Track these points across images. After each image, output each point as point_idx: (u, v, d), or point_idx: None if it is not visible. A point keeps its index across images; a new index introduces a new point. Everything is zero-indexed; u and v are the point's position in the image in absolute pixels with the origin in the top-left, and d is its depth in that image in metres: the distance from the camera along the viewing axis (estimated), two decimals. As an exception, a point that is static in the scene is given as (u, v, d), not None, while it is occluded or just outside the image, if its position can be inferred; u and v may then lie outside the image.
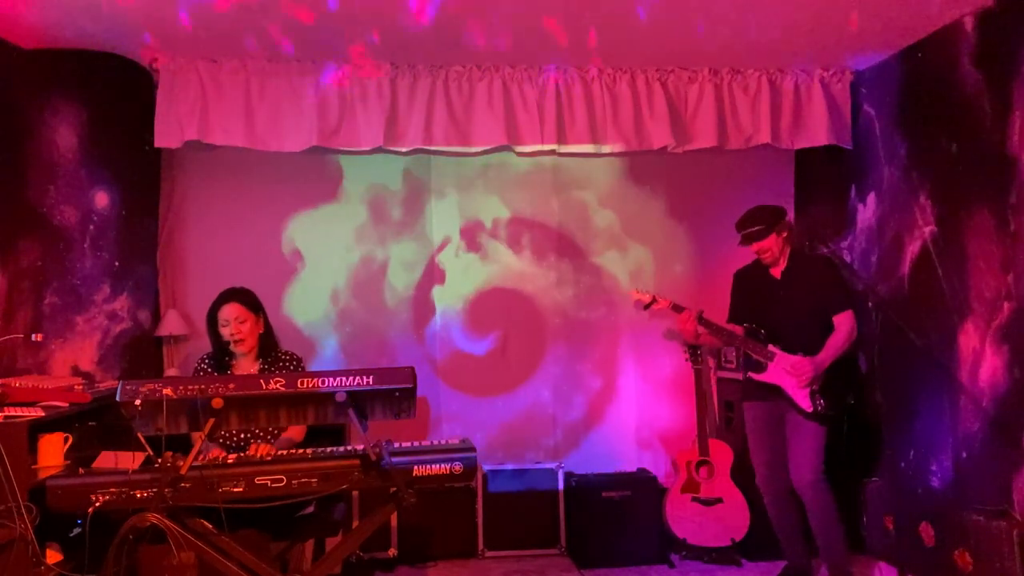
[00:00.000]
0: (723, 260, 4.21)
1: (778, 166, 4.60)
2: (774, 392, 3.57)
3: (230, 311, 3.13)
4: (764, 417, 3.66)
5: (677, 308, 3.69)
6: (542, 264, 4.57)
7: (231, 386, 2.43)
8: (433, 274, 4.51)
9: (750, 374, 3.63)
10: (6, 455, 2.62)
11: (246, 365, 3.19)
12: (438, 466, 2.56)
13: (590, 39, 3.73)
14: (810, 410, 3.50)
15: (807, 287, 3.60)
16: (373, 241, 4.44)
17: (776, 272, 3.67)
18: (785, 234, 3.64)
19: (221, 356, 3.19)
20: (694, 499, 4.10)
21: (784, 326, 3.59)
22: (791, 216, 4.28)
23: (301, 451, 2.76)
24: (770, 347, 3.57)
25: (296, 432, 3.12)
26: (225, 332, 3.13)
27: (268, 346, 3.23)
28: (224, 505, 2.44)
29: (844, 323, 3.57)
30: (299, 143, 3.94)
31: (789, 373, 3.52)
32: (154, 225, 4.19)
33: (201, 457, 2.57)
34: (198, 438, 2.45)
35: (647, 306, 3.84)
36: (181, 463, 2.42)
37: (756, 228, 3.57)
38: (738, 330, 3.70)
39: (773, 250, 3.60)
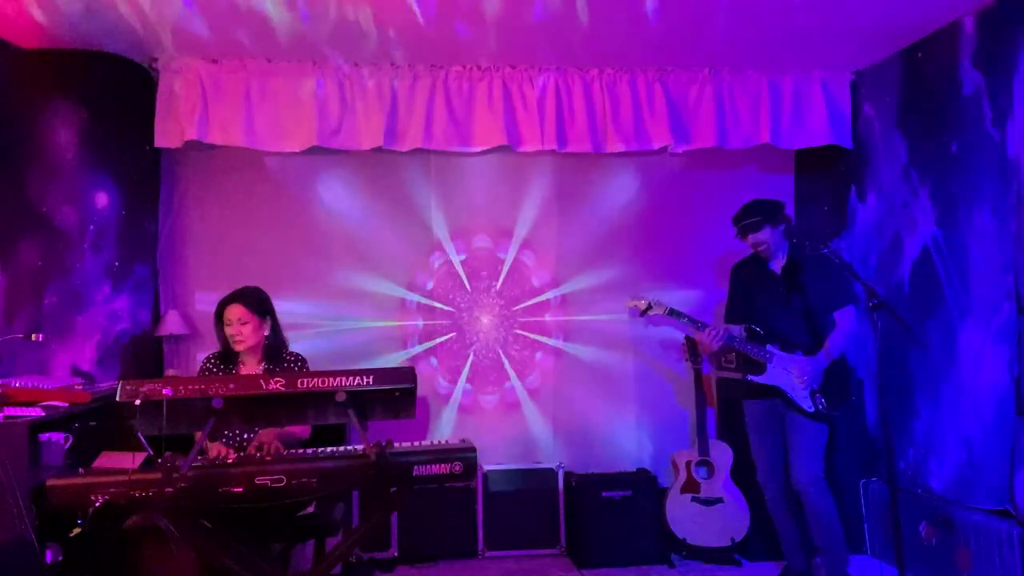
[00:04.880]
0: (724, 261, 4.21)
1: (778, 166, 4.60)
2: (774, 392, 3.57)
3: (233, 312, 3.14)
4: (764, 414, 3.65)
5: (700, 325, 3.60)
6: (542, 263, 4.58)
7: (231, 386, 2.43)
8: (434, 272, 4.51)
9: (749, 376, 3.61)
10: (6, 455, 2.62)
11: (251, 366, 3.20)
12: (438, 466, 2.56)
13: (590, 39, 3.73)
14: (811, 410, 3.49)
15: (808, 283, 3.58)
16: (374, 240, 4.44)
17: (776, 267, 3.66)
18: (782, 228, 3.62)
19: (227, 355, 3.20)
20: (694, 499, 4.10)
21: (784, 323, 3.58)
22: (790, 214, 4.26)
23: (301, 451, 2.77)
24: (768, 347, 3.57)
25: (301, 429, 3.12)
26: (227, 332, 3.15)
27: (274, 349, 3.23)
28: (224, 505, 2.44)
29: (846, 320, 3.56)
30: (299, 143, 3.94)
31: (789, 373, 3.51)
32: (154, 225, 4.19)
33: (204, 456, 2.57)
34: (199, 438, 2.45)
35: (643, 312, 3.78)
36: (181, 463, 2.42)
37: (752, 220, 3.56)
38: (737, 331, 3.68)
39: (769, 243, 3.58)
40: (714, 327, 3.58)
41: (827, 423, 3.53)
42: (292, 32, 3.61)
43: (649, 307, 3.73)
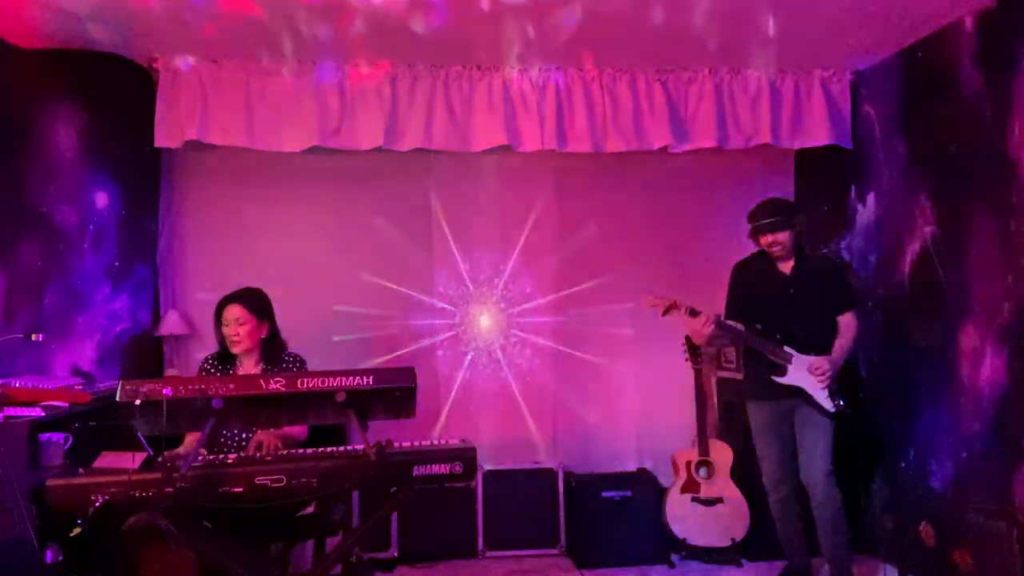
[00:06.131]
0: (724, 260, 4.20)
1: (778, 166, 4.60)
2: (790, 392, 3.53)
3: (232, 312, 3.15)
4: (775, 416, 3.61)
5: (694, 312, 3.51)
6: (542, 263, 4.57)
7: (231, 386, 2.43)
8: (433, 273, 4.51)
9: (772, 377, 3.53)
10: (6, 455, 2.62)
11: (249, 366, 3.20)
12: (438, 466, 2.56)
13: (590, 39, 3.73)
14: (833, 410, 3.48)
15: (819, 285, 3.57)
16: (373, 240, 4.44)
17: (786, 268, 3.62)
18: (798, 230, 3.58)
19: (225, 355, 3.20)
20: (694, 499, 4.10)
21: (795, 324, 3.55)
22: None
23: (301, 451, 2.77)
24: (786, 348, 3.55)
25: (299, 430, 3.12)
26: (225, 331, 3.16)
27: (273, 350, 3.22)
28: (224, 505, 2.44)
29: (851, 322, 3.57)
30: (299, 143, 3.94)
31: (810, 373, 3.50)
32: (154, 225, 4.19)
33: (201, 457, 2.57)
34: (193, 441, 2.45)
35: (665, 312, 3.55)
36: (181, 463, 2.41)
37: (774, 219, 3.51)
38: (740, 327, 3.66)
39: (785, 244, 3.54)
40: (705, 313, 3.50)
41: (842, 421, 3.52)
42: (292, 32, 3.60)
43: (673, 305, 3.52)
